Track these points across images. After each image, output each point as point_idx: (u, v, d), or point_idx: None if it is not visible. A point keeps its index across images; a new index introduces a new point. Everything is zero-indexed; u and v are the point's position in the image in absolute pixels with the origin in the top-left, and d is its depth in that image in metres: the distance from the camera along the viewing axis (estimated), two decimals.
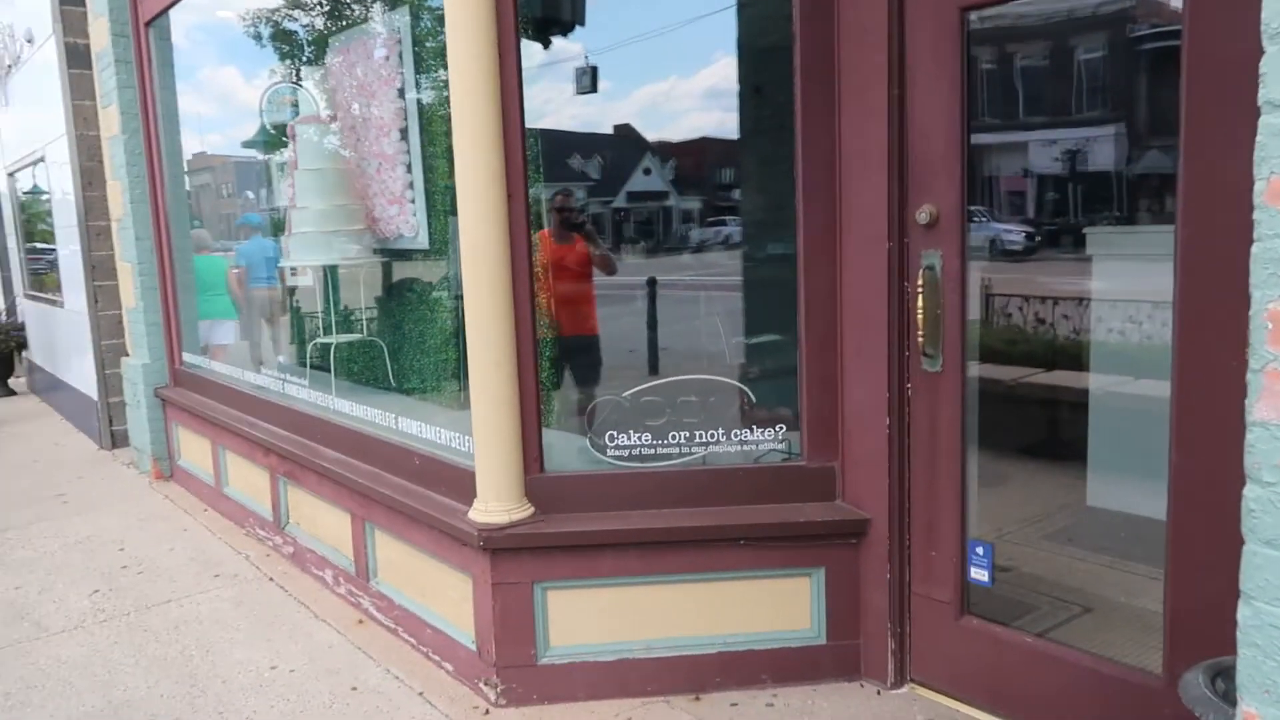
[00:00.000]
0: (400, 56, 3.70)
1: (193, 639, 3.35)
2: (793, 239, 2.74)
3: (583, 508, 2.79)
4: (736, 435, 2.83)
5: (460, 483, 2.94)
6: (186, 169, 5.59)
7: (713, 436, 2.82)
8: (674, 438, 2.82)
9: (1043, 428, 4.69)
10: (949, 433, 2.57)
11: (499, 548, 2.71)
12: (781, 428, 2.83)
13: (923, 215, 2.51)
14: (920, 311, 2.53)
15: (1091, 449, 3.56)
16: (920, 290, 2.52)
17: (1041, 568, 3.50)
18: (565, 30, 3.83)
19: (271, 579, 3.90)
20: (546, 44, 3.63)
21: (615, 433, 2.82)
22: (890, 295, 2.60)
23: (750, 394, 2.87)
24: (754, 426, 2.84)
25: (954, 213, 2.47)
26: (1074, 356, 4.59)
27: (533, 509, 2.77)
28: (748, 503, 2.80)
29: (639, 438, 2.81)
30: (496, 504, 2.72)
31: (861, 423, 2.72)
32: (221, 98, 5.29)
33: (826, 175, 2.69)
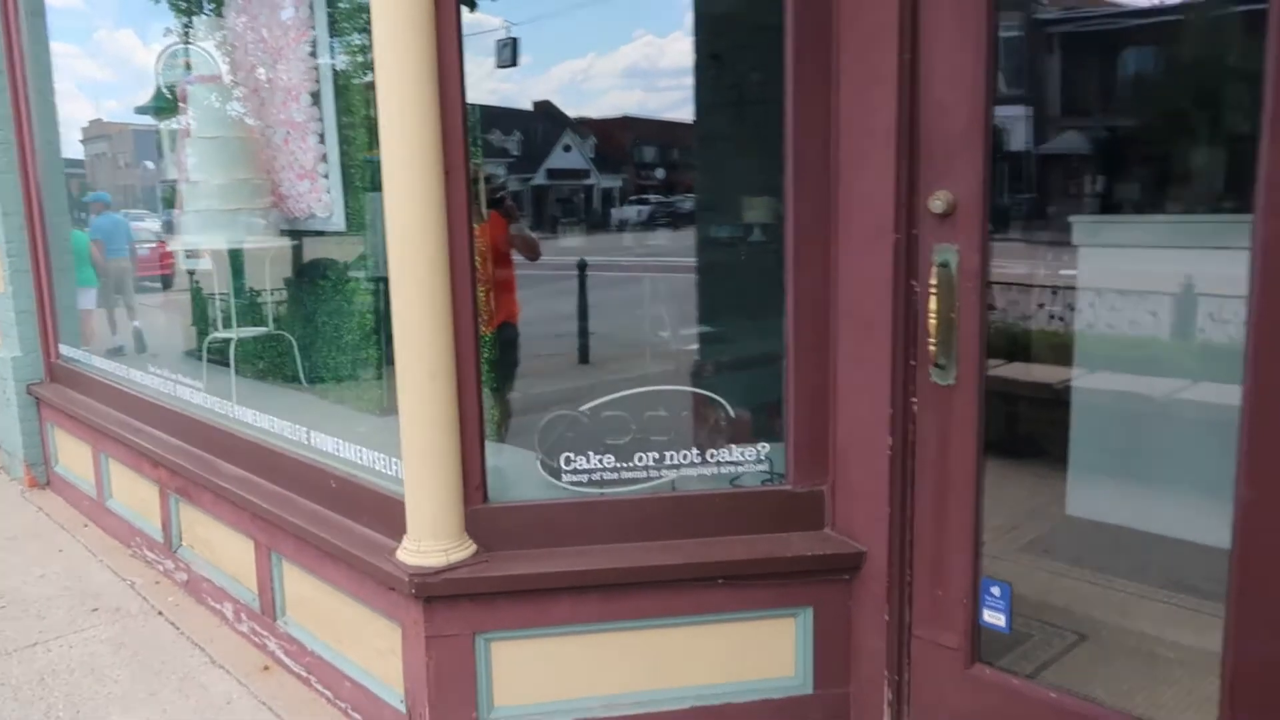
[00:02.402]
0: (311, 8, 3.18)
1: (60, 695, 2.81)
2: (771, 225, 2.36)
3: (534, 543, 2.36)
4: (712, 455, 2.44)
5: (386, 512, 2.48)
6: (83, 137, 4.99)
7: (684, 457, 2.43)
8: (640, 459, 2.41)
9: (1005, 424, 4.44)
10: (961, 455, 2.22)
11: (434, 595, 2.26)
12: (764, 446, 2.45)
13: (937, 203, 2.14)
14: (932, 315, 2.16)
15: (1073, 451, 3.28)
16: (933, 290, 2.15)
17: (1023, 584, 3.21)
18: None
19: (161, 613, 3.37)
20: (471, 5, 3.17)
21: (571, 454, 2.39)
22: (895, 295, 2.23)
23: (728, 407, 2.48)
24: (732, 444, 2.45)
25: (975, 201, 2.11)
26: (1050, 348, 4.34)
27: (474, 547, 2.33)
28: (725, 533, 2.42)
29: (599, 459, 2.40)
30: (431, 543, 2.28)
31: (858, 441, 2.36)
32: (118, 60, 4.67)
33: (820, 153, 2.30)
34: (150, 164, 5.02)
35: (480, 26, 3.40)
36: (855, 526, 2.40)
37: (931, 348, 2.18)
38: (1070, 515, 3.50)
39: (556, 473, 2.40)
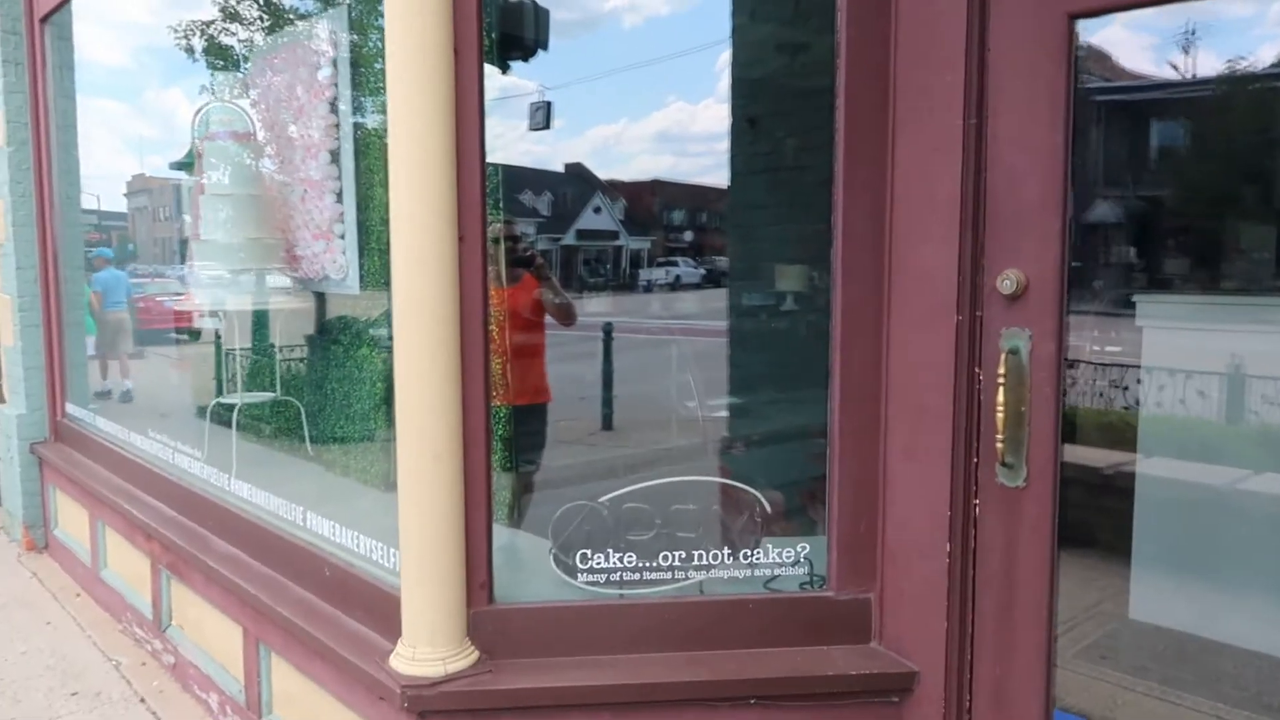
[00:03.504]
0: (335, 64, 3.05)
1: None
2: (805, 294, 2.14)
3: (543, 651, 2.11)
4: (745, 555, 2.18)
5: (382, 607, 2.24)
6: (126, 191, 5.00)
7: (714, 556, 2.17)
8: (665, 558, 2.16)
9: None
10: (1033, 566, 1.95)
11: (429, 709, 2.01)
12: (803, 545, 2.19)
13: (1007, 283, 1.91)
14: (1000, 408, 1.91)
15: (1137, 547, 2.99)
16: (1001, 380, 1.91)
17: (1083, 698, 2.89)
18: (526, 55, 3.20)
19: (143, 699, 3.12)
20: (504, 68, 3.03)
21: (589, 550, 2.15)
22: (957, 384, 1.99)
23: (763, 500, 2.22)
24: (767, 542, 2.19)
25: (1049, 281, 1.88)
26: (1098, 428, 4.06)
27: (477, 654, 2.07)
28: (757, 645, 2.15)
29: (620, 558, 2.15)
30: (429, 650, 2.02)
31: (910, 545, 2.09)
32: (162, 116, 4.66)
33: (872, 224, 2.08)
34: (187, 218, 5.06)
35: (514, 90, 3.28)
36: (906, 642, 2.12)
37: (999, 444, 1.93)
38: (1133, 618, 3.19)
39: (572, 570, 2.15)
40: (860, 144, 2.07)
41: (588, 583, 2.15)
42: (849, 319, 2.11)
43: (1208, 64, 2.61)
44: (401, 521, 2.04)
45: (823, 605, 2.16)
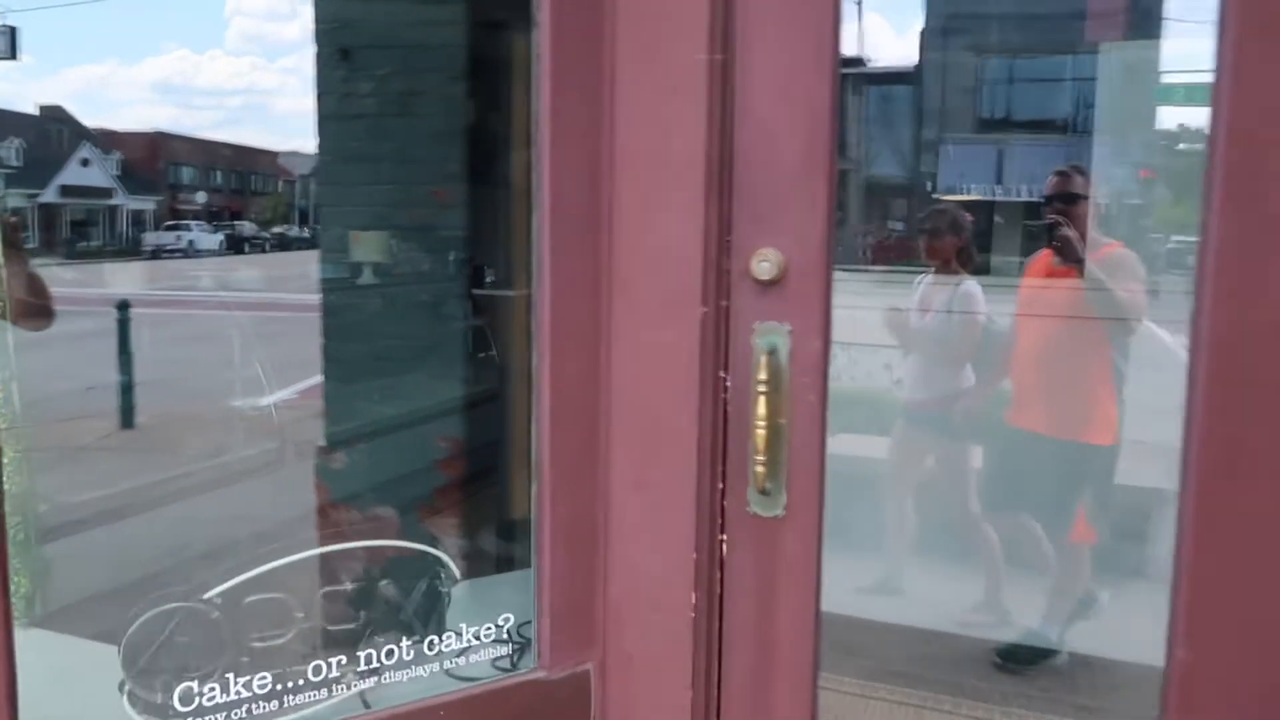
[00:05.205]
0: None
1: None
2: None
3: None
4: (431, 644, 1.57)
5: None
6: None
7: (386, 654, 1.53)
8: (318, 670, 1.47)
9: None
10: (795, 610, 1.61)
11: None
12: (506, 618, 1.65)
13: (764, 265, 1.52)
14: (760, 423, 1.52)
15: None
16: (763, 389, 1.52)
17: None
18: None
19: None
20: None
21: (194, 681, 1.38)
22: (702, 393, 1.57)
23: (446, 562, 1.63)
24: (459, 623, 1.61)
25: (815, 263, 1.53)
26: None
27: None
28: None
29: (244, 684, 1.41)
30: None
31: (643, 597, 1.65)
32: None
33: (588, 189, 1.58)
34: None
35: None
36: (639, 718, 1.68)
37: (759, 468, 1.54)
38: None
39: (165, 714, 1.37)
40: (570, 77, 1.55)
41: None
42: (559, 313, 1.59)
43: None
44: None
45: (535, 691, 1.64)
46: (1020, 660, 3.51)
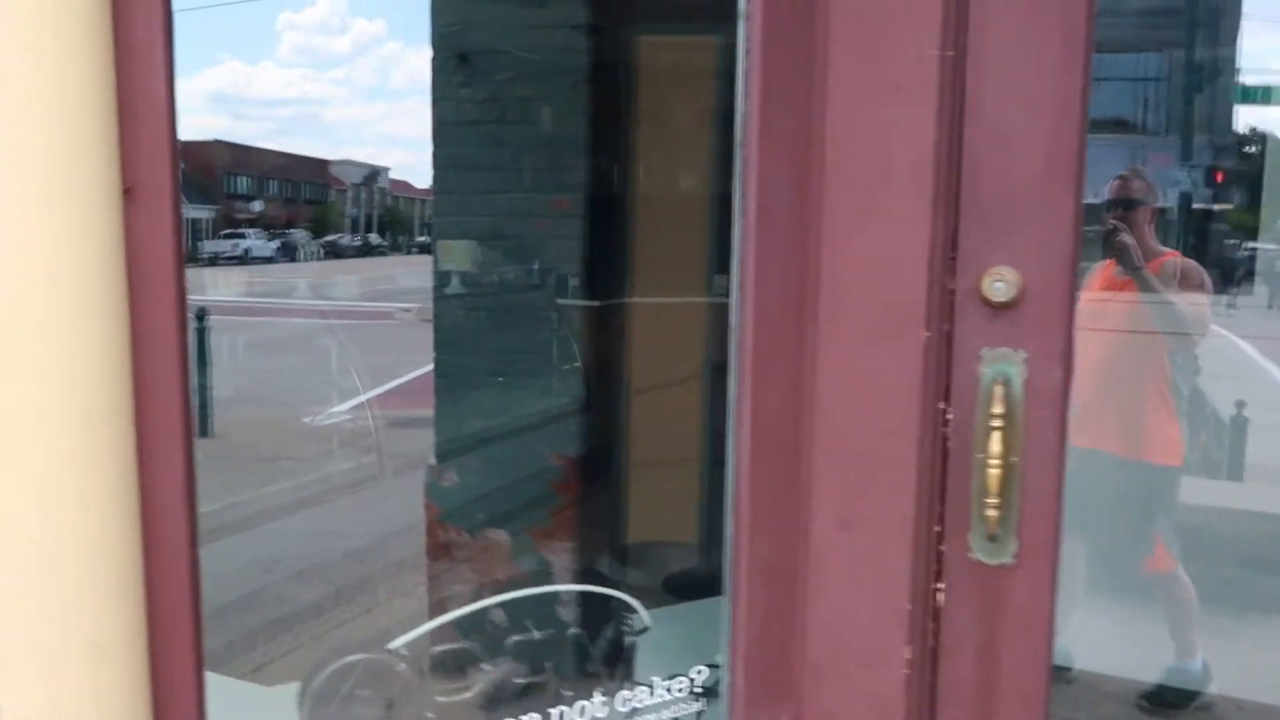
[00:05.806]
0: None
1: None
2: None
3: None
4: (623, 697, 1.43)
5: None
6: None
7: (580, 711, 1.40)
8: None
9: None
10: (1023, 673, 1.44)
11: None
12: (700, 670, 1.50)
13: (999, 286, 1.36)
14: (995, 461, 1.36)
15: None
16: (997, 423, 1.36)
17: None
18: None
19: None
20: None
21: None
22: (923, 427, 1.41)
23: (640, 611, 1.49)
24: (649, 674, 1.47)
25: (1057, 283, 1.36)
26: None
27: None
28: None
29: None
30: None
31: (848, 651, 1.49)
32: None
33: (794, 196, 1.44)
34: None
35: None
36: None
37: (991, 511, 1.38)
38: None
39: None
40: (779, 73, 1.41)
41: None
42: (762, 334, 1.45)
43: None
44: None
45: None
46: (1167, 703, 3.28)
